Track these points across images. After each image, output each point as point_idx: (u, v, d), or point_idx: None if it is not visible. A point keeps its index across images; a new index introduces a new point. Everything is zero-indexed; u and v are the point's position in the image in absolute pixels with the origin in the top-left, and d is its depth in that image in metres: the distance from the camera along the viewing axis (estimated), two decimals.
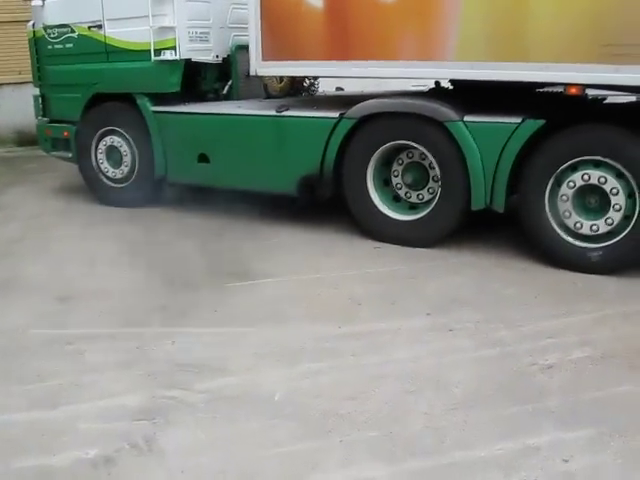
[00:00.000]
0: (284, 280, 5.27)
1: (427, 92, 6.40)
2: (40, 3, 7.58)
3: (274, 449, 3.17)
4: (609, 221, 5.07)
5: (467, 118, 5.43)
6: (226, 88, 7.48)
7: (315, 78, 7.79)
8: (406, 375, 3.78)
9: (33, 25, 7.85)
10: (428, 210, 5.83)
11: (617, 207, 5.02)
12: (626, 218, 5.02)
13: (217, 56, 7.23)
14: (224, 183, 6.89)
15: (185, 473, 3.04)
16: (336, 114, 5.99)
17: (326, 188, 6.22)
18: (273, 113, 6.33)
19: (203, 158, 6.85)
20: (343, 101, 6.36)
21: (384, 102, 5.87)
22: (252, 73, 6.44)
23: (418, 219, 5.89)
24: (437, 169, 5.68)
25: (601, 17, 4.71)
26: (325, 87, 8.29)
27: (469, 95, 5.73)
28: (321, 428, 3.33)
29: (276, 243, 6.16)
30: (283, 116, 6.29)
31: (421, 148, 5.72)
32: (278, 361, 4.03)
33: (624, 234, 5.03)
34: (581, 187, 5.13)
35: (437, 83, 6.68)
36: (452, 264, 5.52)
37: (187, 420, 3.45)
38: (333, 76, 6.98)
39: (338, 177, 6.13)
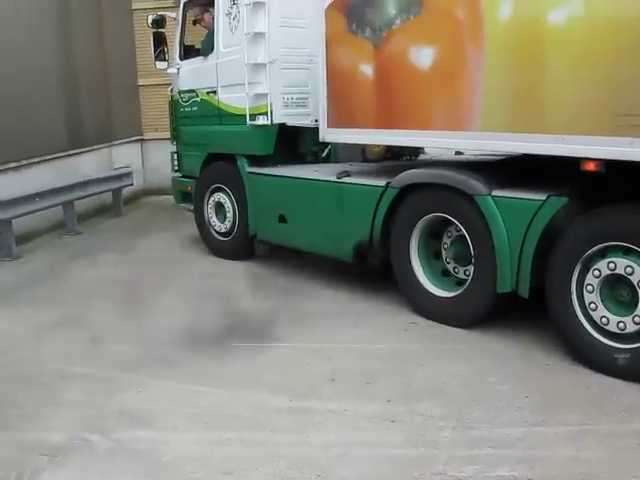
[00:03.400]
0: (288, 347, 5.24)
1: (470, 162, 6.00)
2: (175, 71, 8.50)
3: None
4: (637, 319, 4.29)
5: (495, 192, 4.99)
6: (325, 151, 7.65)
7: None
8: (300, 461, 3.62)
9: (171, 90, 8.81)
10: (462, 289, 5.41)
11: None
12: None
13: (316, 120, 7.40)
14: (298, 244, 7.05)
15: None
16: (383, 182, 5.86)
17: (375, 256, 6.07)
18: (334, 179, 6.37)
19: (282, 219, 7.08)
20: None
21: (421, 172, 5.60)
22: (320, 139, 6.56)
23: (453, 297, 5.48)
24: (470, 245, 5.28)
25: (616, 85, 4.10)
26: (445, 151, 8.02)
27: (513, 167, 5.26)
28: None
29: (319, 308, 6.11)
30: (342, 182, 6.29)
31: (456, 222, 5.36)
32: (205, 424, 4.11)
33: None
34: (609, 277, 4.42)
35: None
36: (472, 349, 5.04)
37: (78, 464, 3.73)
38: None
39: (386, 246, 5.95)
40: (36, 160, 9.68)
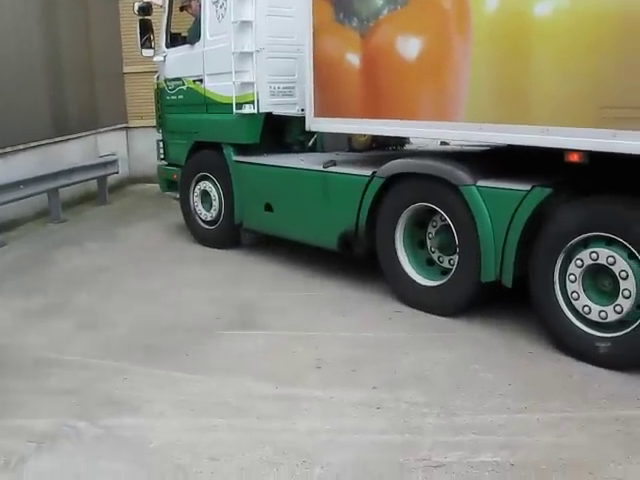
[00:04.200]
0: (275, 335, 5.26)
1: (455, 152, 6.09)
2: (162, 59, 8.46)
3: None
4: (618, 308, 4.36)
5: (480, 182, 5.04)
6: (311, 141, 7.65)
7: None
8: (286, 447, 3.65)
9: (157, 78, 8.77)
10: (447, 278, 5.47)
11: (626, 293, 4.31)
12: (638, 307, 4.29)
13: (302, 110, 7.39)
14: (284, 233, 7.08)
15: None
16: (369, 172, 5.89)
17: (361, 245, 6.10)
18: (320, 168, 6.39)
19: (268, 207, 7.09)
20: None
21: (407, 162, 5.64)
22: (307, 128, 6.57)
23: (437, 286, 5.54)
24: (454, 234, 5.33)
25: (600, 77, 4.15)
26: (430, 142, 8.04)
27: (498, 158, 5.31)
28: None
29: (305, 297, 6.14)
30: (328, 172, 6.32)
31: (441, 211, 5.41)
32: (191, 411, 4.13)
33: (635, 325, 4.29)
34: (591, 267, 4.49)
35: None
36: (456, 338, 5.09)
37: (66, 450, 3.75)
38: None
39: (372, 235, 5.99)
40: (21, 147, 9.60)
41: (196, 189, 8.22)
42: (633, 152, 4.02)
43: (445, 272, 5.63)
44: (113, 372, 4.68)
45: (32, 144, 9.88)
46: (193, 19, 8.17)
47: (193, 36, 7.96)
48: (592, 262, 4.47)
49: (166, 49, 8.42)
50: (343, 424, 3.89)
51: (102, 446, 3.74)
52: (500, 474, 3.35)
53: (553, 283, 4.67)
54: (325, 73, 6.16)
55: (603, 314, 4.45)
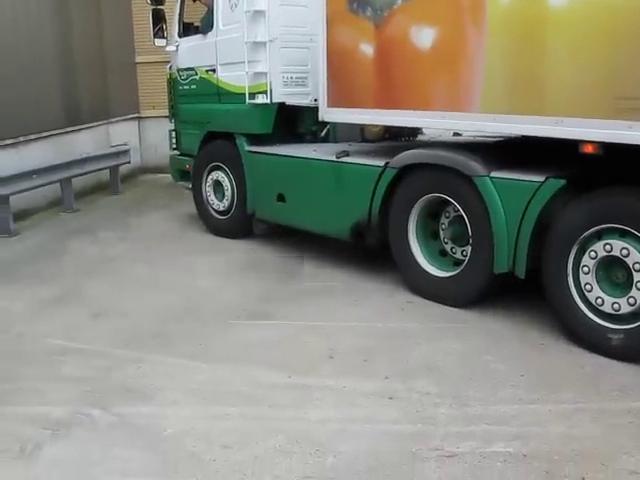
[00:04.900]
0: (287, 324, 5.28)
1: (469, 143, 6.08)
2: (174, 49, 8.47)
3: (117, 478, 3.39)
4: (631, 300, 4.35)
5: (494, 173, 5.02)
6: (324, 131, 7.64)
7: None
8: (299, 436, 3.67)
9: (170, 68, 8.78)
10: (460, 269, 5.46)
11: None
12: None
13: (315, 100, 7.36)
14: (296, 223, 7.08)
15: None
16: (382, 162, 5.88)
17: (373, 236, 6.11)
18: (333, 158, 6.39)
19: (281, 198, 7.10)
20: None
21: (420, 153, 5.64)
22: (320, 118, 6.56)
23: (450, 277, 5.54)
24: (468, 225, 5.32)
25: (615, 67, 4.12)
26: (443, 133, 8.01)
27: (512, 149, 5.29)
28: (172, 468, 3.43)
29: (317, 287, 6.15)
30: (341, 162, 6.31)
31: (454, 202, 5.40)
32: (204, 399, 4.16)
33: None
34: (605, 258, 4.47)
35: None
36: (468, 328, 5.09)
37: (80, 437, 3.78)
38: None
39: (384, 226, 5.99)
40: (33, 137, 9.64)
41: (208, 179, 8.23)
42: None
43: (458, 263, 5.63)
44: (126, 360, 4.71)
45: (44, 134, 9.92)
46: (206, 9, 8.16)
47: (206, 26, 7.96)
48: (606, 254, 4.46)
49: (179, 39, 8.44)
50: (355, 414, 3.91)
51: (116, 433, 3.78)
52: (512, 464, 3.35)
53: (566, 275, 4.66)
54: (338, 63, 6.15)
55: (616, 306, 4.44)
